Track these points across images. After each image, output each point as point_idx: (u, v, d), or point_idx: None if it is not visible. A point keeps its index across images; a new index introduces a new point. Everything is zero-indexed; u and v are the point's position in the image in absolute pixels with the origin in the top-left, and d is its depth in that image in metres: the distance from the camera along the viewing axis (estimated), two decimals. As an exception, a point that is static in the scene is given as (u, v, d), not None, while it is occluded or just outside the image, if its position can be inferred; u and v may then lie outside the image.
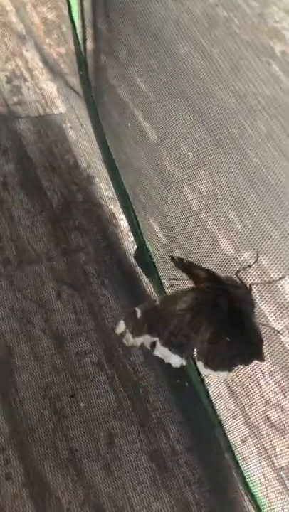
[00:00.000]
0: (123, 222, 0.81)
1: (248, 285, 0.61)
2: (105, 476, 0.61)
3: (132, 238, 0.80)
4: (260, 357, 0.57)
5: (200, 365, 0.57)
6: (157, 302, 0.57)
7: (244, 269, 0.65)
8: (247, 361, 0.59)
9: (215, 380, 0.69)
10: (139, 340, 0.54)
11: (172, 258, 0.58)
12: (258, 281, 0.67)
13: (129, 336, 0.54)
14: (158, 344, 0.55)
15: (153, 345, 0.55)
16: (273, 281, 0.68)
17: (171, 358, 0.56)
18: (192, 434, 0.65)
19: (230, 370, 0.58)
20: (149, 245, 0.78)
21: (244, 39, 1.18)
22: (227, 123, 0.99)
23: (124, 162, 0.88)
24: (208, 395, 0.68)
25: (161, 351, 0.56)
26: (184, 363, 0.57)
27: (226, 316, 0.58)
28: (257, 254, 0.68)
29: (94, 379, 0.67)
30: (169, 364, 0.57)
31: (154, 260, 0.76)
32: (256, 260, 0.64)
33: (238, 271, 0.63)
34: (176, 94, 1.02)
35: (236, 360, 0.58)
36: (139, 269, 0.77)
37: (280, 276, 0.79)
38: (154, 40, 1.10)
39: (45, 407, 0.64)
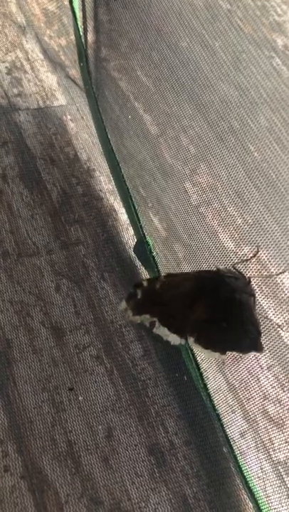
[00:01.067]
0: (123, 216, 0.81)
1: (247, 277, 0.62)
2: (104, 469, 0.61)
3: (131, 232, 0.80)
4: (258, 348, 0.58)
5: (190, 340, 0.58)
6: (158, 284, 0.59)
7: (242, 262, 0.66)
8: (244, 351, 0.59)
9: (213, 374, 0.69)
10: (138, 318, 0.58)
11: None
12: (258, 275, 0.68)
13: (129, 313, 0.57)
14: (157, 323, 0.58)
15: (152, 323, 0.58)
16: (272, 275, 0.69)
17: (169, 336, 0.58)
18: (190, 428, 0.65)
19: (222, 353, 0.59)
20: (148, 239, 0.78)
21: (246, 32, 1.17)
22: (228, 116, 0.99)
23: (125, 155, 0.87)
24: (206, 389, 0.68)
25: (160, 330, 0.58)
26: (183, 342, 0.59)
27: (225, 303, 0.59)
28: (257, 249, 0.68)
29: (93, 372, 0.67)
30: (168, 342, 0.59)
31: (154, 254, 0.76)
32: (255, 254, 0.65)
33: (236, 263, 0.64)
34: (178, 87, 1.01)
35: (233, 346, 0.59)
36: (138, 263, 0.77)
37: (280, 271, 0.80)
38: (156, 33, 1.09)
39: (43, 400, 0.64)
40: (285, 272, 0.73)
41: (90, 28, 1.05)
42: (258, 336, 0.58)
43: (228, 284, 0.61)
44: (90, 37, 1.04)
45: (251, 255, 0.66)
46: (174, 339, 0.59)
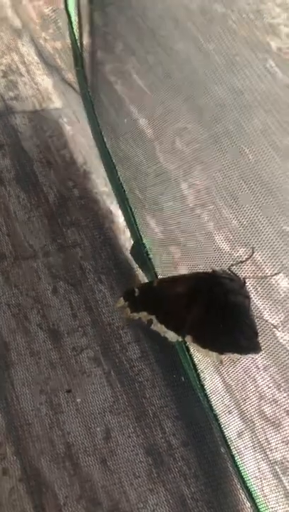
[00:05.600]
0: (120, 218, 0.81)
1: (242, 279, 0.63)
2: (102, 471, 0.61)
3: (128, 234, 0.80)
4: (255, 349, 0.59)
5: (188, 339, 0.58)
6: (155, 283, 0.62)
7: (237, 264, 0.67)
8: (241, 352, 0.60)
9: (210, 375, 0.70)
10: (136, 315, 0.59)
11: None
12: (253, 276, 0.68)
13: (127, 310, 0.59)
14: (155, 320, 0.59)
15: (150, 321, 0.59)
16: (267, 276, 0.69)
17: (167, 333, 0.60)
18: (188, 428, 0.66)
19: (220, 353, 0.60)
20: (145, 241, 0.78)
21: (241, 35, 1.18)
22: (223, 119, 0.99)
23: (121, 158, 0.88)
24: (204, 390, 0.68)
25: (158, 327, 0.59)
26: (180, 338, 0.60)
27: (220, 305, 0.61)
28: (252, 251, 0.69)
29: (90, 374, 0.67)
30: (165, 343, 0.61)
31: (151, 256, 0.77)
32: (250, 256, 0.65)
33: (232, 265, 0.65)
34: (173, 90, 1.02)
35: (230, 347, 0.60)
36: (135, 265, 0.77)
37: (275, 272, 0.80)
38: (151, 36, 1.09)
39: (41, 403, 0.65)
40: (279, 273, 0.74)
41: (85, 32, 1.05)
42: (254, 336, 0.59)
43: (224, 286, 0.62)
44: (86, 40, 1.05)
45: (246, 257, 0.66)
46: (172, 336, 0.60)
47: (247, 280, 0.67)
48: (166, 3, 1.19)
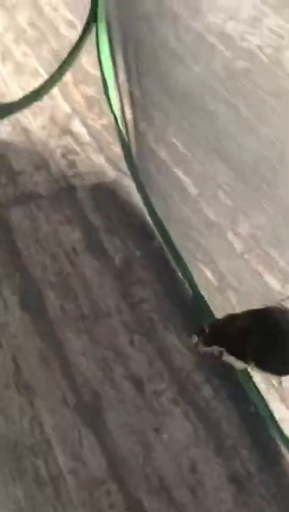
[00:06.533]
0: (178, 272, 0.93)
1: None
2: (192, 499, 0.71)
3: (187, 285, 0.91)
4: None
5: (251, 364, 0.71)
6: (220, 321, 0.75)
7: (285, 299, 0.79)
8: None
9: (277, 405, 0.79)
10: (209, 349, 0.71)
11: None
12: None
13: (201, 345, 0.72)
14: (224, 352, 0.71)
15: (220, 353, 0.72)
16: None
17: (235, 363, 0.72)
18: (263, 455, 0.74)
19: (279, 375, 0.74)
20: (202, 291, 0.89)
21: (265, 86, 1.29)
22: (260, 169, 1.10)
23: (171, 218, 1.00)
24: (273, 418, 0.77)
25: (227, 358, 0.72)
26: (247, 366, 0.73)
27: (274, 333, 0.73)
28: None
29: (172, 414, 0.78)
30: (234, 369, 0.74)
31: (209, 303, 0.87)
32: None
33: (282, 300, 0.77)
34: (210, 148, 1.14)
35: (285, 371, 0.72)
36: (197, 312, 0.88)
37: None
38: (183, 101, 1.22)
39: (134, 442, 0.75)
40: None
41: (126, 105, 1.19)
42: None
43: (276, 318, 0.74)
44: (128, 112, 1.18)
45: None
46: (240, 365, 0.73)
47: None
48: (192, 67, 1.32)
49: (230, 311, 0.85)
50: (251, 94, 1.28)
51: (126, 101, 1.18)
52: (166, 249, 0.95)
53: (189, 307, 0.90)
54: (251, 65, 1.33)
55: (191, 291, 0.91)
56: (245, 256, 0.97)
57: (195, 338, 0.72)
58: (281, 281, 0.94)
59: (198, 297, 0.89)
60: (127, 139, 1.09)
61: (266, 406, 0.78)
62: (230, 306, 0.90)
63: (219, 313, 0.86)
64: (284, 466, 0.74)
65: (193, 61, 1.29)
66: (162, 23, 1.36)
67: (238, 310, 0.83)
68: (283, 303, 0.79)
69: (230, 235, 0.99)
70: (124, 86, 1.22)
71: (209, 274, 0.94)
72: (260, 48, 1.34)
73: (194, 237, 0.99)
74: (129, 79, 1.24)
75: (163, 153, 1.09)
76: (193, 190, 1.05)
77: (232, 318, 0.75)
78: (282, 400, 0.78)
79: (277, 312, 0.74)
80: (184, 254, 0.95)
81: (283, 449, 0.75)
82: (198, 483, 0.72)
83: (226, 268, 0.95)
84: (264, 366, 0.72)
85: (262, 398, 0.78)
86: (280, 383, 0.76)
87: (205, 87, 1.25)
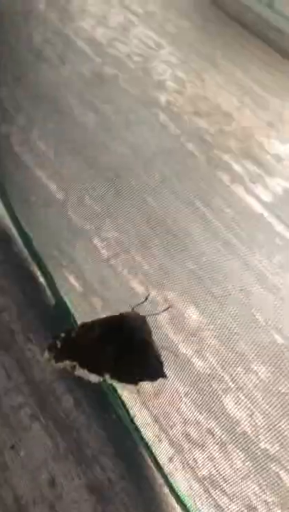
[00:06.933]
0: (41, 278, 0.89)
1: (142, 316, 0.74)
2: (51, 516, 0.68)
3: (49, 293, 0.88)
4: (162, 374, 0.69)
5: (107, 376, 0.68)
6: (73, 334, 0.70)
7: (138, 305, 0.78)
8: (151, 378, 0.71)
9: (139, 411, 0.78)
10: (61, 365, 0.67)
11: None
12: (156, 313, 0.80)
13: (53, 361, 0.67)
14: (77, 366, 0.68)
15: (73, 367, 0.68)
16: (158, 312, 0.80)
17: (89, 376, 0.69)
18: (125, 462, 0.74)
19: (136, 383, 0.71)
20: (65, 298, 0.86)
21: (133, 93, 1.31)
22: (125, 174, 1.11)
23: (35, 223, 0.96)
24: (134, 424, 0.77)
25: (80, 372, 0.68)
26: (102, 379, 0.69)
27: (129, 342, 0.71)
28: (148, 292, 0.81)
29: (30, 429, 0.74)
30: (93, 384, 0.69)
31: (72, 311, 0.85)
32: (147, 298, 0.76)
33: (133, 307, 0.76)
34: (76, 152, 1.12)
35: (141, 377, 0.71)
36: (60, 320, 0.85)
37: (185, 306, 0.93)
38: (49, 104, 1.19)
39: (-13, 463, 0.70)
40: (168, 308, 0.86)
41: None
42: (159, 365, 0.70)
43: (128, 324, 0.73)
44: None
45: (145, 297, 0.78)
46: (94, 378, 0.69)
47: (159, 316, 0.78)
48: (59, 71, 1.29)
49: (94, 318, 0.83)
50: (119, 100, 1.29)
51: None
52: (28, 255, 0.91)
53: (53, 315, 0.87)
54: (119, 72, 1.34)
55: (54, 299, 0.88)
56: (112, 261, 0.96)
57: (46, 355, 0.67)
58: (145, 284, 0.95)
59: (61, 305, 0.86)
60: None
61: (128, 413, 0.77)
62: (95, 312, 0.89)
63: (83, 321, 0.84)
64: (146, 471, 0.74)
65: (61, 64, 1.27)
66: (28, 23, 1.32)
67: (103, 316, 0.82)
68: (136, 308, 0.78)
69: (96, 240, 0.98)
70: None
71: (73, 281, 0.91)
72: (128, 55, 1.35)
73: (59, 243, 0.96)
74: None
75: (27, 157, 1.05)
76: (58, 195, 1.02)
77: (86, 327, 0.72)
78: (143, 404, 0.78)
79: (131, 319, 0.73)
80: (47, 260, 0.91)
81: (146, 454, 0.75)
82: (57, 498, 0.69)
83: (91, 274, 0.93)
84: (120, 376, 0.70)
85: (123, 404, 0.77)
86: (138, 391, 0.75)
87: (72, 91, 1.23)
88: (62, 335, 0.69)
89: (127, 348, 0.70)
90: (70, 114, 1.18)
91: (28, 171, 1.05)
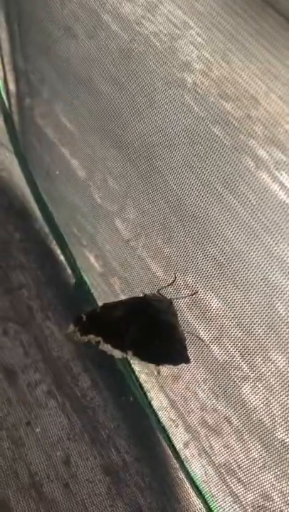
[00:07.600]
0: (61, 257, 0.88)
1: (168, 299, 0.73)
2: (65, 494, 0.67)
3: (70, 271, 0.86)
4: (185, 360, 0.68)
5: (130, 354, 0.68)
6: (98, 309, 0.70)
7: (162, 288, 0.78)
8: (174, 363, 0.70)
9: (156, 394, 0.77)
10: (86, 338, 0.68)
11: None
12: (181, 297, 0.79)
13: (78, 334, 0.67)
14: (102, 341, 0.68)
15: (97, 342, 0.68)
16: (183, 296, 0.80)
17: (113, 351, 0.69)
18: (140, 445, 0.73)
19: (156, 364, 0.71)
20: (85, 277, 0.85)
21: (158, 73, 1.28)
22: (148, 154, 1.08)
23: (57, 199, 0.94)
24: (151, 407, 0.76)
25: (105, 347, 0.68)
26: (124, 355, 0.69)
27: (152, 323, 0.70)
28: (174, 276, 0.80)
29: (46, 406, 0.73)
30: (113, 359, 0.70)
31: (92, 290, 0.84)
32: (174, 281, 0.76)
33: (159, 289, 0.75)
34: (99, 130, 1.09)
35: (164, 359, 0.70)
36: (79, 299, 0.84)
37: (205, 293, 0.91)
38: (74, 79, 1.17)
39: (2, 438, 0.70)
40: (196, 292, 0.85)
41: (9, 78, 1.11)
42: (183, 349, 0.69)
43: (154, 307, 0.72)
44: (11, 87, 1.10)
45: (170, 281, 0.77)
46: (117, 353, 0.69)
47: (179, 301, 0.77)
48: (85, 45, 1.27)
49: (113, 299, 0.82)
50: (145, 79, 1.26)
51: (10, 72, 1.10)
52: (49, 233, 0.89)
53: (72, 295, 0.86)
54: (146, 51, 1.31)
55: (74, 278, 0.87)
56: (132, 243, 0.95)
57: (71, 327, 0.68)
58: (165, 268, 0.93)
59: (81, 284, 0.85)
60: (10, 112, 1.01)
61: (145, 395, 0.76)
62: (114, 293, 0.87)
63: (102, 301, 0.82)
64: (161, 455, 0.73)
65: (88, 38, 1.24)
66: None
67: (122, 297, 0.80)
68: (162, 291, 0.77)
69: (117, 221, 0.96)
70: (8, 56, 1.13)
71: (94, 261, 0.90)
72: (155, 34, 1.32)
73: (80, 222, 0.94)
74: (12, 49, 1.16)
75: (50, 131, 1.02)
76: (81, 173, 1.00)
77: (110, 307, 0.72)
78: (161, 387, 0.77)
79: (156, 301, 0.72)
80: (68, 238, 0.90)
81: (161, 438, 0.74)
82: (72, 476, 0.69)
83: (111, 254, 0.92)
84: (142, 355, 0.70)
85: (141, 387, 0.76)
86: (159, 372, 0.75)
87: (98, 67, 1.20)
88: (88, 312, 0.68)
89: (152, 329, 0.69)
90: (95, 91, 1.15)
91: (51, 145, 1.03)
